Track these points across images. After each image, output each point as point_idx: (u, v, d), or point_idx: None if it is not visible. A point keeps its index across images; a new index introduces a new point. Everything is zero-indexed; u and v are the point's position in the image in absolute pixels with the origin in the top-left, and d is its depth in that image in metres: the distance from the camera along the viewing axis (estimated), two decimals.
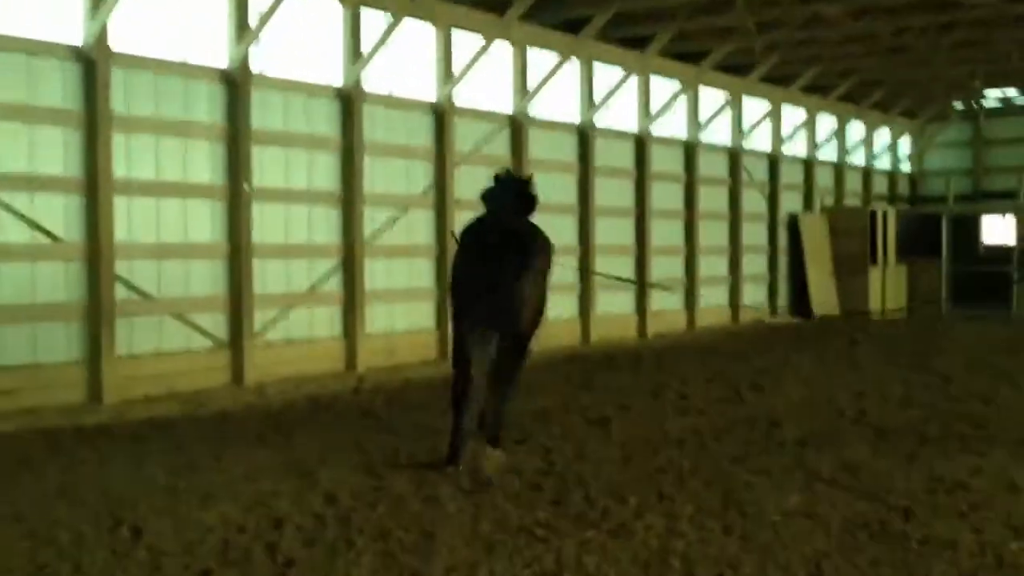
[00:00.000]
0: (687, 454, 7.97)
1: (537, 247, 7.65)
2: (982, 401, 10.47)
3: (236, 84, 12.03)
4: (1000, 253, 26.15)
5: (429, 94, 14.69)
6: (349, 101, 13.38)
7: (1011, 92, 26.72)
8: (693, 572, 5.13)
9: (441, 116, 14.67)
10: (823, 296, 22.78)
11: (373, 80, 13.80)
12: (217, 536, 5.72)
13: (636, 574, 5.11)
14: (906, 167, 28.91)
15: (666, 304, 19.22)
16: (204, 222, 11.89)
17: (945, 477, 7.02)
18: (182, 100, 11.68)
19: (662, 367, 13.75)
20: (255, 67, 12.30)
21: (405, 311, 14.29)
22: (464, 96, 15.11)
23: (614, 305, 17.95)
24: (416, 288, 14.43)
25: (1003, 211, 26.07)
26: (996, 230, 28.40)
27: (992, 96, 27.15)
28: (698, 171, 20.09)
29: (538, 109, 16.49)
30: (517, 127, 16.00)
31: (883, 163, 27.76)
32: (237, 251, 12.05)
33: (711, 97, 20.52)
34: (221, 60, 12.04)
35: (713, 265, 20.68)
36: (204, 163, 11.89)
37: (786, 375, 12.70)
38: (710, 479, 7.08)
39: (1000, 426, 9.04)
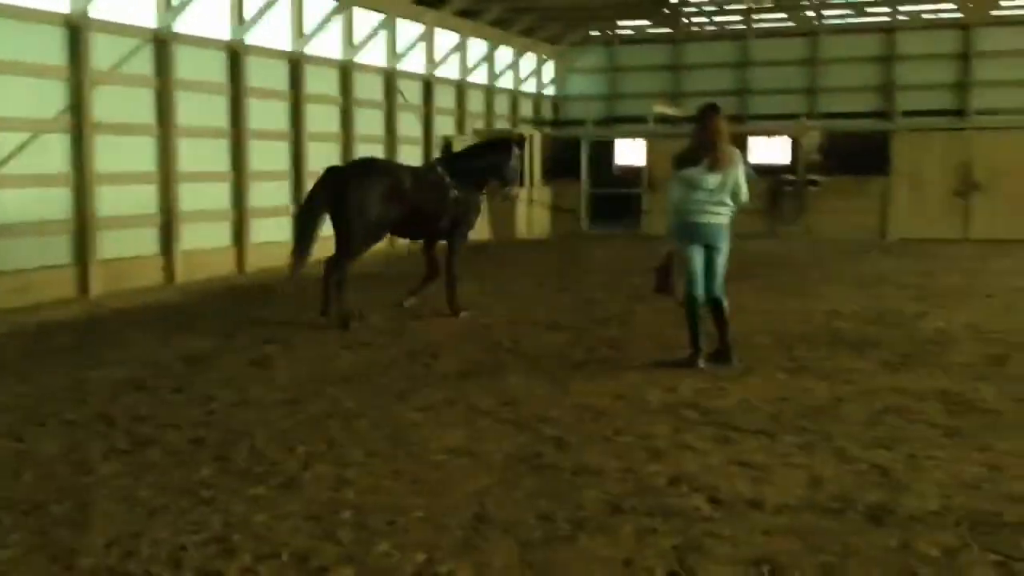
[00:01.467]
0: (353, 393, 8.03)
1: (360, 184, 10.96)
2: (620, 323, 11.34)
3: None
4: (631, 174, 28.23)
5: (62, 5, 13.42)
6: None
7: (644, 22, 28.66)
8: (365, 521, 5.20)
9: (76, 31, 13.46)
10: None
11: None
12: None
13: (308, 529, 5.10)
14: (550, 91, 30.32)
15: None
16: None
17: (591, 404, 7.56)
18: None
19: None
20: None
21: (39, 246, 13.16)
22: (104, 9, 13.95)
23: (273, 232, 17.56)
24: (50, 220, 13.31)
25: (636, 135, 28.07)
26: (627, 152, 30.62)
27: (626, 25, 28.98)
28: (354, 94, 19.95)
29: (186, 25, 15.57)
30: (162, 44, 15.03)
31: (529, 87, 28.94)
32: None
33: (366, 18, 20.33)
34: None
35: None
36: None
37: (442, 302, 13.04)
38: (377, 420, 7.18)
39: (635, 347, 9.84)
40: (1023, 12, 26.31)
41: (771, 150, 26.53)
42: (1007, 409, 7.19)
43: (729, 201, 8.69)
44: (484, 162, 12.19)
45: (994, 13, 26.17)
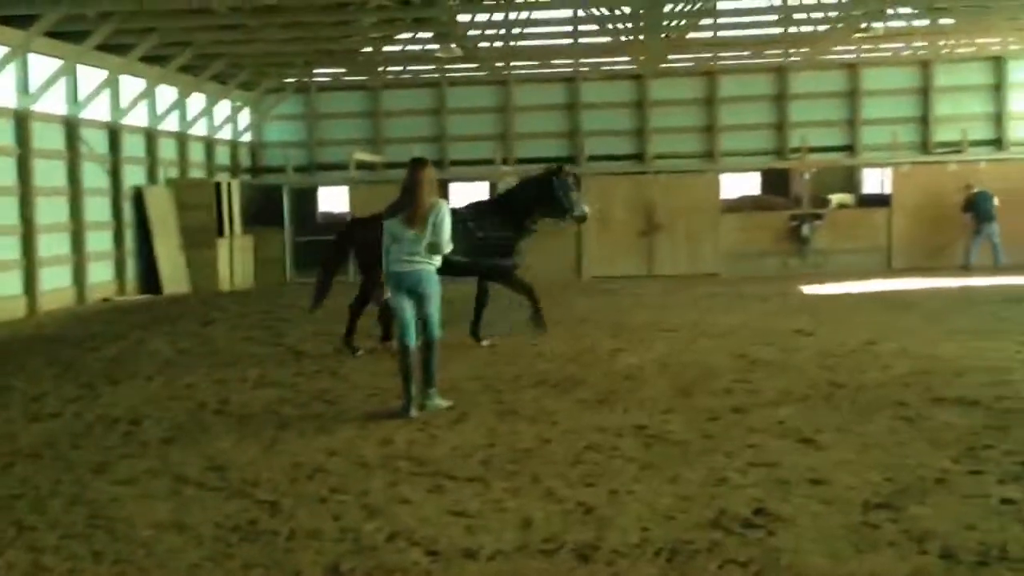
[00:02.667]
0: (44, 469, 7.47)
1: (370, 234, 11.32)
2: (331, 374, 11.23)
3: None
4: (335, 221, 28.24)
5: None
6: None
7: (339, 70, 28.73)
8: None
9: None
10: (173, 271, 22.63)
11: None
12: None
13: None
14: (247, 138, 29.74)
15: (1, 290, 17.68)
16: None
17: (305, 462, 7.43)
18: None
19: (2, 364, 12.64)
20: None
21: None
22: None
23: None
24: None
25: (338, 182, 28.07)
26: (330, 199, 30.69)
27: (323, 72, 28.97)
28: (32, 143, 18.66)
29: None
30: None
31: (225, 134, 28.25)
32: None
33: (44, 64, 19.14)
34: None
35: (55, 244, 19.44)
36: None
37: (142, 362, 12.46)
38: (73, 497, 6.71)
39: (348, 400, 9.78)
40: (689, 65, 28.76)
41: (470, 195, 27.37)
42: (694, 440, 7.76)
43: (428, 252, 8.91)
44: (521, 200, 13.03)
45: (663, 66, 28.43)
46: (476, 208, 13.25)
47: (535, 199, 13.08)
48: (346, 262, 13.91)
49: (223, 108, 27.79)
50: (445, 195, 26.96)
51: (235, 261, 24.15)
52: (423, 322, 8.99)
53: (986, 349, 11.53)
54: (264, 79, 28.20)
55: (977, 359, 10.89)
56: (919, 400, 8.89)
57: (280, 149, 29.51)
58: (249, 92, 28.60)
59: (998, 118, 28.15)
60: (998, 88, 28.16)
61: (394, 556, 5.47)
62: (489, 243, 12.74)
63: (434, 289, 9.01)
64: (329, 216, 30.15)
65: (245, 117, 29.40)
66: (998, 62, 28.08)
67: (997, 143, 27.94)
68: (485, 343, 12.87)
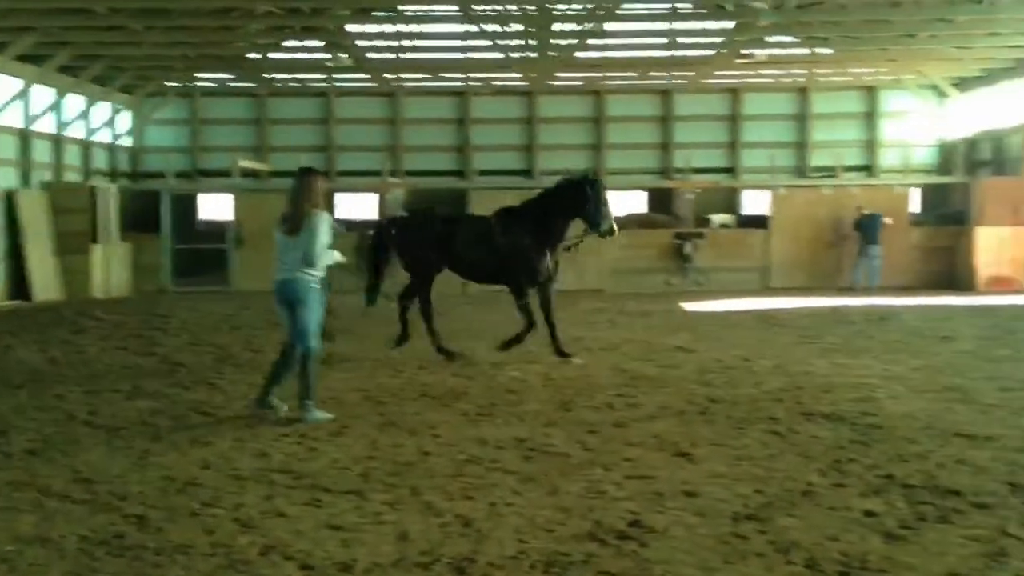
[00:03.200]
0: None
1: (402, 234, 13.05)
2: (208, 386, 10.96)
3: None
4: (216, 229, 27.67)
5: None
6: None
7: (225, 75, 28.24)
8: None
9: None
10: (44, 278, 21.82)
11: None
12: None
13: None
14: (127, 142, 28.93)
15: None
16: None
17: (177, 476, 7.24)
18: None
19: None
20: None
21: None
22: None
23: None
24: None
25: (221, 189, 27.52)
26: (211, 207, 30.02)
27: (207, 77, 28.42)
28: None
29: None
30: None
31: (104, 137, 27.43)
32: None
33: None
34: None
35: None
36: None
37: (8, 371, 11.97)
38: None
39: (224, 412, 9.56)
40: (578, 84, 29.17)
41: (358, 206, 27.21)
42: (574, 453, 7.84)
43: (302, 263, 8.85)
44: (549, 207, 12.53)
45: (552, 83, 28.77)
46: (504, 213, 12.86)
47: (565, 207, 12.52)
48: (390, 260, 13.22)
49: (102, 110, 26.98)
50: (330, 206, 26.67)
51: (111, 268, 23.42)
52: (299, 332, 8.92)
53: (854, 367, 11.97)
54: (147, 82, 27.51)
55: (845, 376, 11.29)
56: (790, 415, 9.17)
57: (161, 154, 28.82)
58: (130, 95, 27.85)
59: (870, 145, 29.31)
60: (870, 116, 29.33)
61: (268, 571, 5.37)
62: (508, 249, 12.47)
63: (308, 298, 8.93)
64: (211, 224, 29.51)
65: (125, 120, 28.60)
66: (871, 91, 29.26)
67: (868, 169, 29.08)
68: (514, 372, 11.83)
